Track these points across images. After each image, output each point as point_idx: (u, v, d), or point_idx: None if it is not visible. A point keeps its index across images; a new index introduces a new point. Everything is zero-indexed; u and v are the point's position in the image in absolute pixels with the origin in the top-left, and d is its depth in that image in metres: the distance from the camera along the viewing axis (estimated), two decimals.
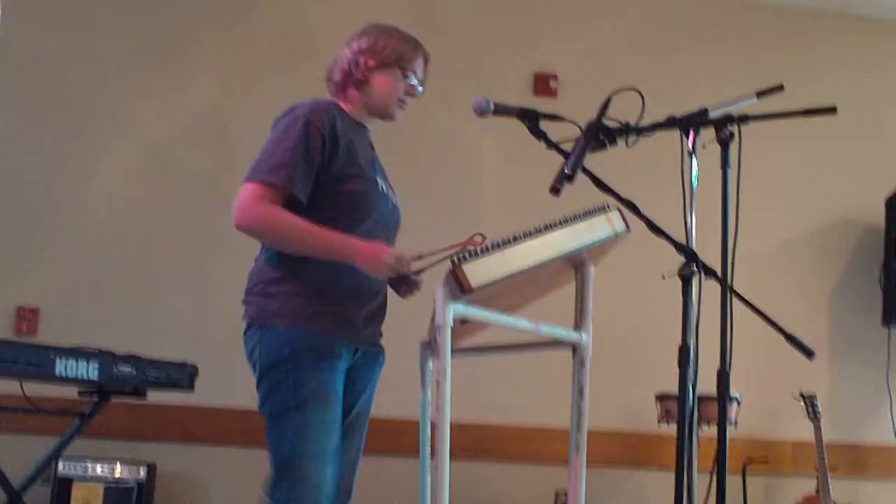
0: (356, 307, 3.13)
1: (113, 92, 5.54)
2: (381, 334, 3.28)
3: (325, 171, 3.08)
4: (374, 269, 2.97)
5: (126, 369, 4.05)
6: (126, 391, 4.18)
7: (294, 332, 3.01)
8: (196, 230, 5.46)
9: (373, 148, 3.33)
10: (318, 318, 3.03)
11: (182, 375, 4.26)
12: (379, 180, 3.24)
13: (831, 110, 3.01)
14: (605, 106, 2.97)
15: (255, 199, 3.00)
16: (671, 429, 4.48)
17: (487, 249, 2.69)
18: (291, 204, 3.03)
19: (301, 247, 3.02)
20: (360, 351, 3.15)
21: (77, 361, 3.88)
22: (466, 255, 2.66)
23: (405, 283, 3.16)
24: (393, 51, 3.30)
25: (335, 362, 3.04)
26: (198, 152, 5.56)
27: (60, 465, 4.76)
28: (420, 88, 3.36)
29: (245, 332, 3.13)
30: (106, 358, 3.99)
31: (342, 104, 3.29)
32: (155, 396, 4.35)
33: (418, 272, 3.07)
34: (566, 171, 2.79)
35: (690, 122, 2.99)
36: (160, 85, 5.59)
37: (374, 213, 3.17)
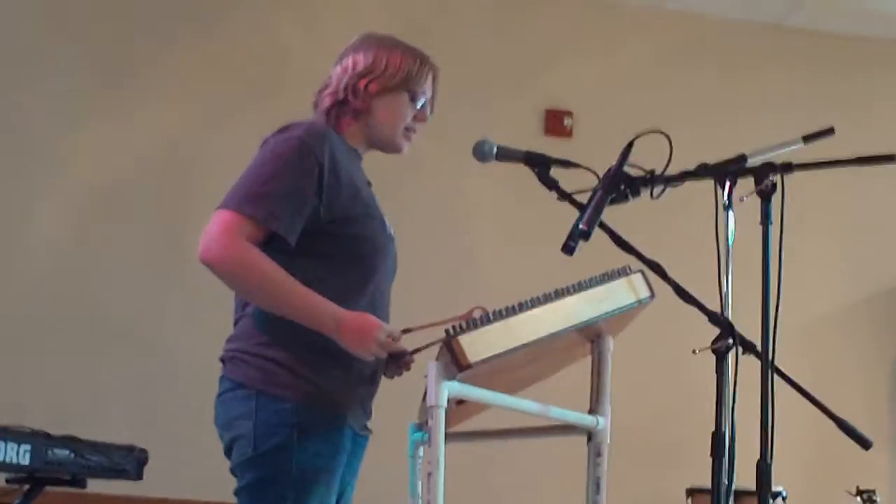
0: (367, 386, 3.09)
1: (51, 122, 5.56)
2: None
3: (328, 209, 2.97)
4: (361, 347, 2.88)
5: (62, 453, 4.04)
6: (62, 479, 4.17)
7: (304, 411, 2.91)
8: (149, 286, 5.46)
9: (369, 183, 3.23)
10: (332, 397, 2.96)
11: (129, 461, 4.24)
12: (386, 220, 3.16)
13: (891, 158, 3.03)
14: (627, 152, 2.99)
15: (230, 232, 2.87)
16: None
17: (488, 319, 2.70)
18: (270, 246, 2.91)
19: (275, 303, 2.91)
20: (357, 435, 3.11)
21: (5, 443, 3.88)
22: (464, 325, 2.66)
23: (395, 362, 3.11)
24: (397, 70, 3.17)
25: (341, 451, 3.00)
26: (152, 195, 5.58)
27: None
28: (429, 112, 3.28)
29: (225, 393, 3.00)
30: (39, 439, 3.98)
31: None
32: (96, 485, 4.33)
33: (413, 352, 3.05)
34: (581, 227, 2.81)
35: (726, 172, 3.00)
36: (108, 115, 5.62)
37: (384, 261, 3.11)
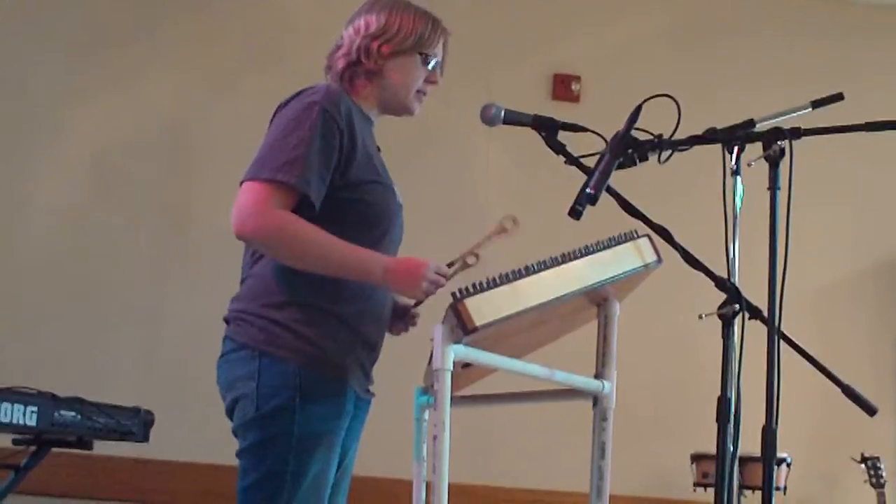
0: (369, 349, 3.10)
1: (50, 89, 5.56)
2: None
3: (342, 175, 2.97)
4: (413, 287, 2.88)
5: (69, 415, 4.05)
6: (69, 441, 4.18)
7: (307, 373, 2.91)
8: (149, 253, 5.47)
9: (378, 149, 3.23)
10: (335, 359, 2.96)
11: (135, 423, 4.26)
12: (396, 188, 3.17)
13: None
14: (635, 116, 2.98)
15: (263, 202, 2.86)
16: (708, 495, 4.49)
17: (495, 282, 2.70)
18: (298, 210, 2.91)
19: (321, 263, 2.91)
20: (359, 398, 3.12)
21: (11, 405, 3.89)
22: (470, 288, 2.66)
23: (400, 318, 3.13)
24: (410, 32, 3.17)
25: (344, 414, 3.00)
26: (152, 163, 5.58)
27: None
28: (440, 75, 3.27)
29: (229, 353, 3.01)
30: (45, 401, 3.99)
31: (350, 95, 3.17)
32: (103, 447, 4.35)
33: (415, 305, 3.09)
34: (589, 191, 2.80)
35: (734, 137, 2.99)
36: (107, 82, 5.61)
37: (393, 229, 3.12)
